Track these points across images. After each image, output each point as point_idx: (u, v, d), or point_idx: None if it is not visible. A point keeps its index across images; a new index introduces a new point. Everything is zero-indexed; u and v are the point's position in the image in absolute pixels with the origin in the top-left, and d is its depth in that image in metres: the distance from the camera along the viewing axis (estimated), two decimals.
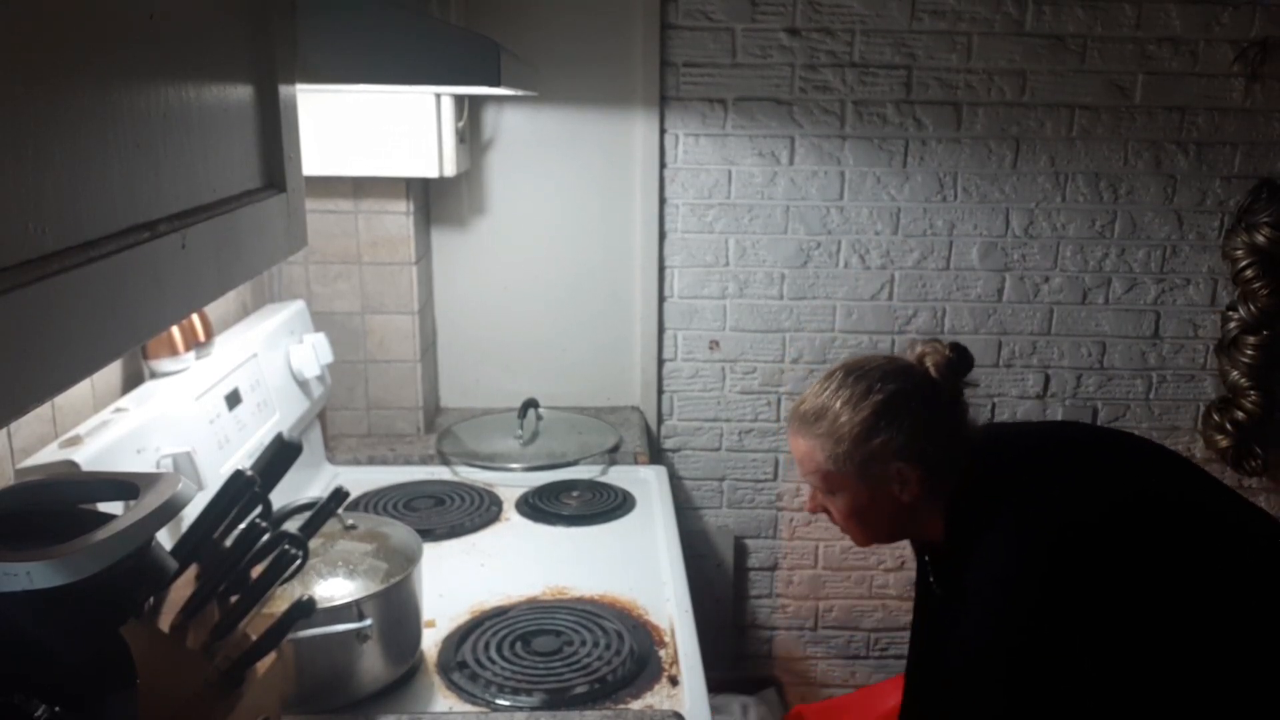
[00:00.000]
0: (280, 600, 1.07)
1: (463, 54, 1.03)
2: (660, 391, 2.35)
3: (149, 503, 0.77)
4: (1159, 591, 1.16)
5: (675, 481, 2.36)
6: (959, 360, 1.29)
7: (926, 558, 1.42)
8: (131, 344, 0.63)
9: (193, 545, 0.98)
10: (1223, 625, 1.17)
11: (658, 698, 1.28)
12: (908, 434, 1.25)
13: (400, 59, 0.98)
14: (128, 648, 0.80)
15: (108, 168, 0.59)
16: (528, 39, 2.13)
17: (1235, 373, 2.30)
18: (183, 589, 0.96)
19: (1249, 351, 2.27)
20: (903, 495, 1.27)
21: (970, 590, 1.21)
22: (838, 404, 1.28)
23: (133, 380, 1.47)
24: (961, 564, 1.23)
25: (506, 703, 1.27)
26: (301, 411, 1.79)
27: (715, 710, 1.44)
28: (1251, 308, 2.24)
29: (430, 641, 1.39)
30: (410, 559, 1.30)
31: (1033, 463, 1.29)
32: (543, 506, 1.89)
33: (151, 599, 0.92)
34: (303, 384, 1.82)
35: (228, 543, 1.00)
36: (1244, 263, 2.23)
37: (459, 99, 1.97)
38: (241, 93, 0.82)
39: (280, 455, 1.02)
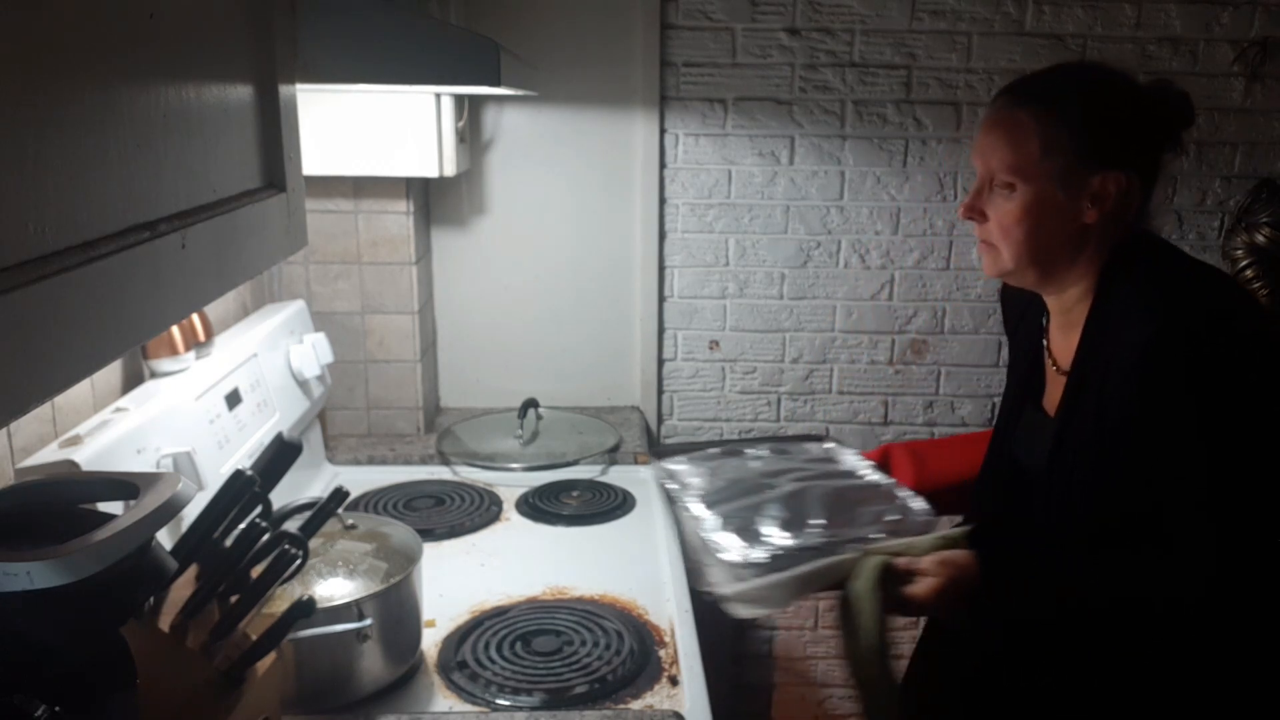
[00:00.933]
0: (280, 600, 1.07)
1: (463, 54, 1.03)
2: (660, 391, 2.35)
3: (149, 503, 0.77)
4: None
5: None
6: (1187, 106, 1.23)
7: (1045, 321, 1.34)
8: (131, 344, 0.63)
9: (193, 545, 0.98)
10: None
11: (658, 698, 1.28)
12: (1134, 149, 1.19)
13: (400, 59, 0.98)
14: (128, 648, 0.80)
15: (108, 168, 0.59)
16: (528, 39, 2.13)
17: None
18: (183, 589, 0.96)
19: None
20: (1088, 215, 1.19)
21: (1149, 344, 1.12)
22: (1073, 89, 1.20)
23: (133, 380, 1.47)
24: (1111, 326, 1.18)
25: (506, 703, 1.27)
26: (301, 411, 1.79)
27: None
28: None
29: (430, 641, 1.39)
30: (410, 559, 1.30)
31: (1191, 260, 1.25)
32: (543, 506, 1.89)
33: (151, 599, 0.92)
34: (303, 384, 1.82)
35: (228, 543, 1.00)
36: (1244, 263, 2.23)
37: (459, 99, 1.97)
38: (241, 93, 0.82)
39: (280, 455, 1.02)
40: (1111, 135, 1.18)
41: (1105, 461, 1.18)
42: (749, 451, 1.58)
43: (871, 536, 1.28)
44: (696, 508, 1.39)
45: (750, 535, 1.28)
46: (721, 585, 1.23)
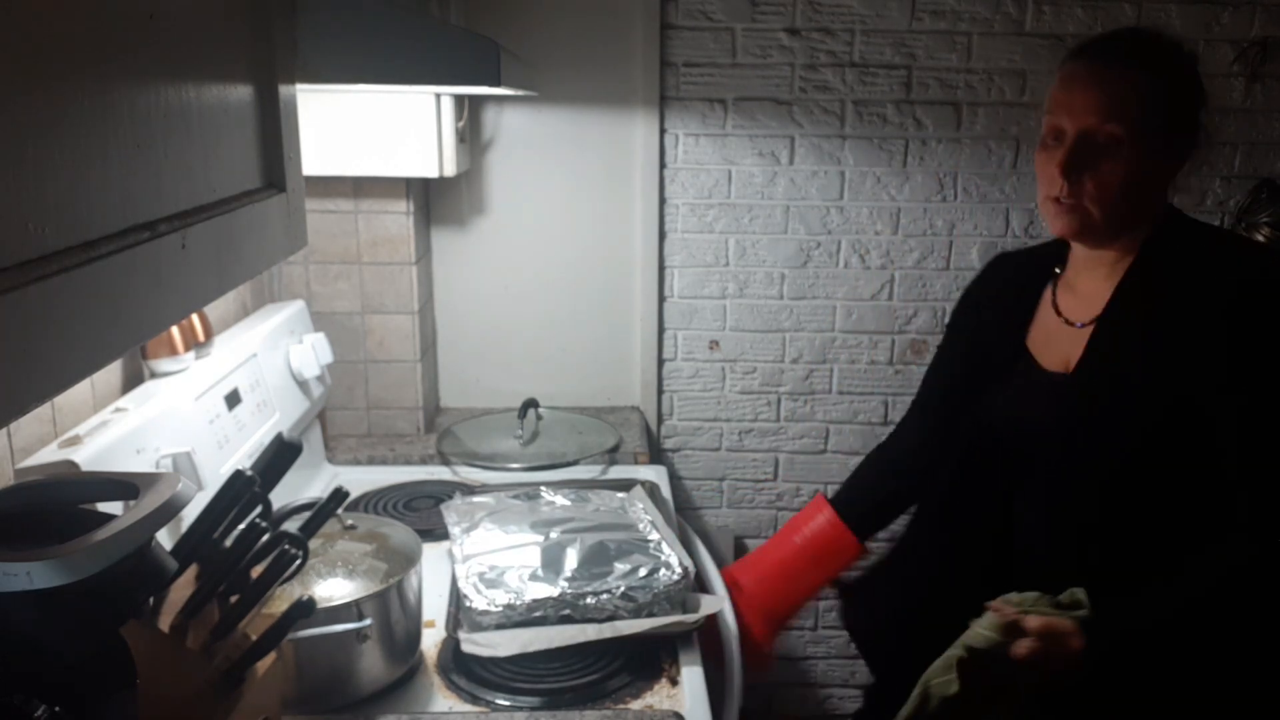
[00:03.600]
0: (280, 600, 1.07)
1: (463, 54, 1.03)
2: (660, 391, 2.35)
3: (149, 503, 0.77)
4: None
5: (675, 481, 2.36)
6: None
7: (1053, 282, 1.37)
8: (131, 344, 0.63)
9: (193, 545, 0.98)
10: None
11: (658, 698, 1.28)
12: (1199, 112, 1.26)
13: (400, 59, 0.98)
14: (128, 648, 0.80)
15: (108, 168, 0.59)
16: (528, 39, 2.13)
17: None
18: (183, 589, 0.96)
19: None
20: (1167, 174, 1.26)
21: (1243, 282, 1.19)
22: (1167, 50, 1.25)
23: (133, 380, 1.47)
24: (1158, 282, 1.24)
25: (506, 703, 1.27)
26: (301, 411, 1.79)
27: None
28: None
29: (430, 641, 1.39)
30: (410, 559, 1.30)
31: None
32: None
33: (151, 599, 0.92)
34: (303, 384, 1.82)
35: (228, 543, 1.00)
36: None
37: (459, 99, 1.97)
38: (241, 93, 0.82)
39: (280, 455, 1.02)
40: (1191, 97, 1.25)
41: (1146, 411, 1.20)
42: (544, 496, 1.66)
43: (603, 591, 1.35)
44: (460, 548, 1.48)
45: (494, 584, 1.37)
46: (462, 628, 1.33)
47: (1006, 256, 1.52)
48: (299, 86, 0.93)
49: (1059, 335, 1.33)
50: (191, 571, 0.98)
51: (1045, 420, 1.29)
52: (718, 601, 1.34)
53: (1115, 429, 1.22)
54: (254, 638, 0.99)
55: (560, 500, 1.63)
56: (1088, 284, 1.32)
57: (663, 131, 2.20)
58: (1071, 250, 1.36)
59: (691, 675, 1.32)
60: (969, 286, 1.54)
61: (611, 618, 1.34)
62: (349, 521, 1.33)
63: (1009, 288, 1.44)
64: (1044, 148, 1.27)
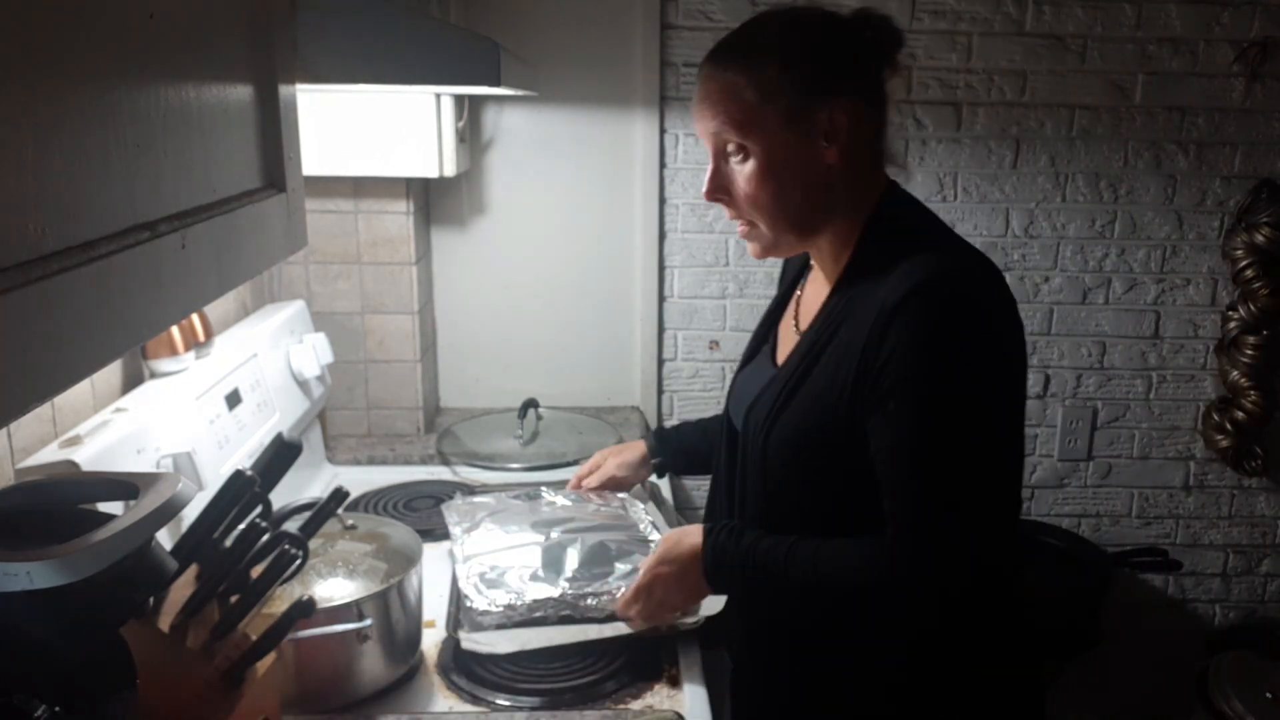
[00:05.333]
0: (280, 600, 1.07)
1: (463, 54, 1.03)
2: (660, 391, 2.35)
3: (149, 503, 0.77)
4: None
5: (675, 481, 2.36)
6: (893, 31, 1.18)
7: (803, 279, 1.35)
8: (131, 344, 0.63)
9: (193, 545, 0.98)
10: None
11: (658, 698, 1.28)
12: (848, 73, 1.15)
13: (400, 59, 0.98)
14: (128, 648, 0.80)
15: (108, 168, 0.59)
16: (528, 39, 2.13)
17: (1235, 373, 2.30)
18: (183, 589, 0.96)
19: (1249, 351, 2.27)
20: (827, 154, 1.14)
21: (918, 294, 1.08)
22: (772, 33, 1.17)
23: (133, 380, 1.47)
24: (861, 284, 1.16)
25: (506, 703, 1.26)
26: (301, 411, 1.79)
27: None
28: (1251, 308, 2.24)
29: (430, 641, 1.39)
30: (410, 559, 1.30)
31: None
32: None
33: (151, 599, 0.92)
34: (303, 384, 1.82)
35: (228, 543, 1.00)
36: (1244, 263, 2.23)
37: (459, 99, 1.97)
38: (241, 93, 0.82)
39: (280, 455, 1.02)
40: (819, 63, 1.15)
41: (823, 419, 1.16)
42: (545, 496, 1.65)
43: (604, 591, 1.35)
44: (461, 548, 1.47)
45: (495, 584, 1.37)
46: (462, 628, 1.33)
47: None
48: (299, 86, 0.93)
49: (788, 334, 1.32)
50: (191, 571, 0.98)
51: (758, 414, 1.27)
52: (718, 602, 1.34)
53: (785, 429, 1.19)
54: (254, 638, 0.99)
55: (561, 500, 1.63)
56: (816, 290, 1.29)
57: (663, 131, 2.20)
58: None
59: (692, 675, 1.32)
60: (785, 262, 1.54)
61: (612, 618, 1.34)
62: (349, 521, 1.33)
63: (789, 273, 1.45)
64: None
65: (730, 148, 1.17)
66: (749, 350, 1.41)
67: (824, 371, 1.16)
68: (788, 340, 1.31)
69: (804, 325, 1.27)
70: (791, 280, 1.41)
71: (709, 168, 1.20)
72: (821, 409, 1.16)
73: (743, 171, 1.17)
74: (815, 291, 1.29)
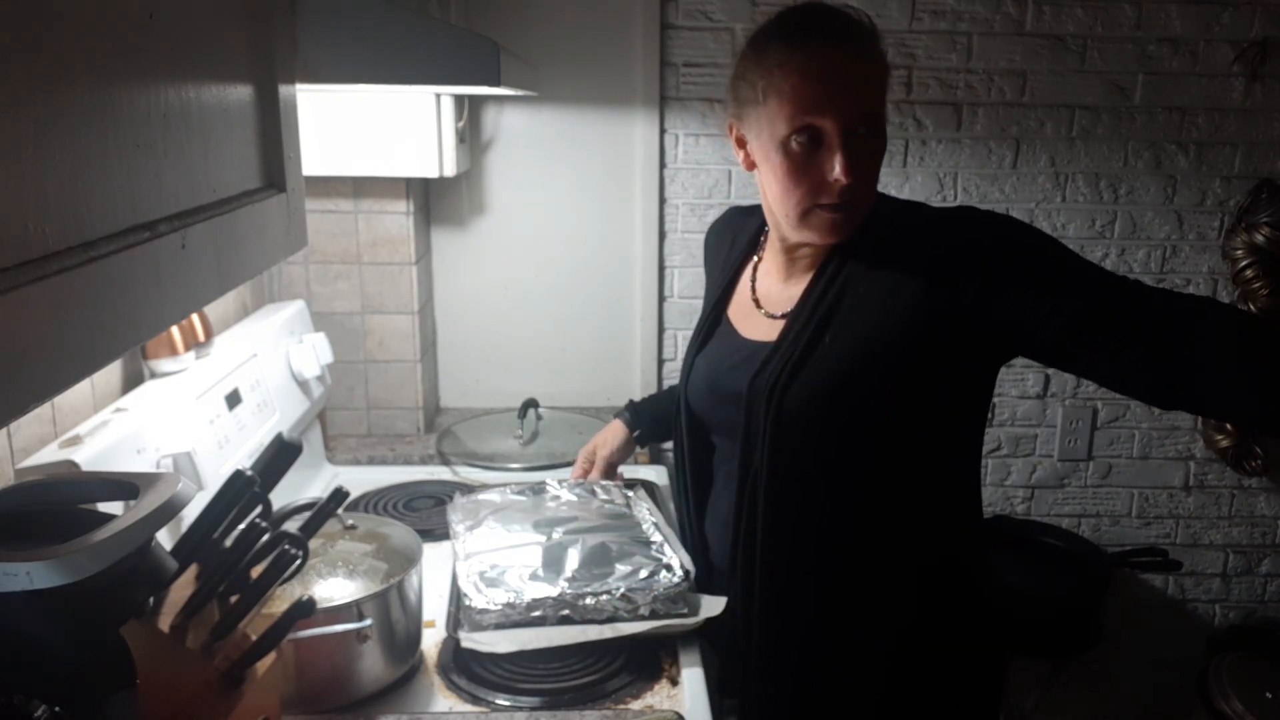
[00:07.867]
0: (280, 600, 1.07)
1: (463, 54, 1.03)
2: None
3: (149, 503, 0.77)
4: None
5: None
6: None
7: (755, 264, 1.39)
8: (131, 344, 0.63)
9: (193, 545, 0.98)
10: None
11: (658, 698, 1.28)
12: None
13: (400, 59, 0.98)
14: (128, 648, 0.80)
15: (108, 168, 0.59)
16: (528, 39, 2.13)
17: None
18: (183, 589, 0.96)
19: None
20: None
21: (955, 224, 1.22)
22: (858, 13, 1.19)
23: (133, 380, 1.47)
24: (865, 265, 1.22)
25: (506, 703, 1.26)
26: (301, 411, 1.79)
27: None
28: (1251, 308, 2.24)
29: (430, 641, 1.39)
30: (410, 559, 1.30)
31: None
32: None
33: (151, 599, 0.92)
34: (303, 384, 1.82)
35: (228, 543, 1.00)
36: (1244, 263, 2.23)
37: (459, 99, 1.97)
38: (241, 93, 0.82)
39: (280, 455, 1.02)
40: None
41: (852, 369, 1.19)
42: (550, 490, 1.65)
43: (603, 592, 1.34)
44: (462, 546, 1.47)
45: (494, 583, 1.36)
46: (462, 627, 1.33)
47: (740, 212, 1.54)
48: (299, 86, 0.93)
49: (754, 318, 1.35)
50: (191, 571, 0.98)
51: (734, 385, 1.28)
52: (719, 603, 1.34)
53: (808, 387, 1.21)
54: (254, 638, 0.99)
55: (566, 495, 1.63)
56: (787, 272, 1.32)
57: (663, 131, 2.20)
58: (767, 241, 1.35)
59: (692, 675, 1.32)
60: (708, 232, 1.59)
61: (611, 619, 1.33)
62: (349, 521, 1.33)
63: (724, 240, 1.49)
64: (787, 154, 1.16)
65: (866, 125, 1.15)
66: (702, 335, 1.43)
67: (848, 328, 1.20)
68: (753, 319, 1.34)
69: (774, 306, 1.32)
70: (735, 267, 1.43)
71: (840, 145, 1.13)
72: (851, 360, 1.19)
73: (871, 145, 1.17)
74: (784, 278, 1.33)
